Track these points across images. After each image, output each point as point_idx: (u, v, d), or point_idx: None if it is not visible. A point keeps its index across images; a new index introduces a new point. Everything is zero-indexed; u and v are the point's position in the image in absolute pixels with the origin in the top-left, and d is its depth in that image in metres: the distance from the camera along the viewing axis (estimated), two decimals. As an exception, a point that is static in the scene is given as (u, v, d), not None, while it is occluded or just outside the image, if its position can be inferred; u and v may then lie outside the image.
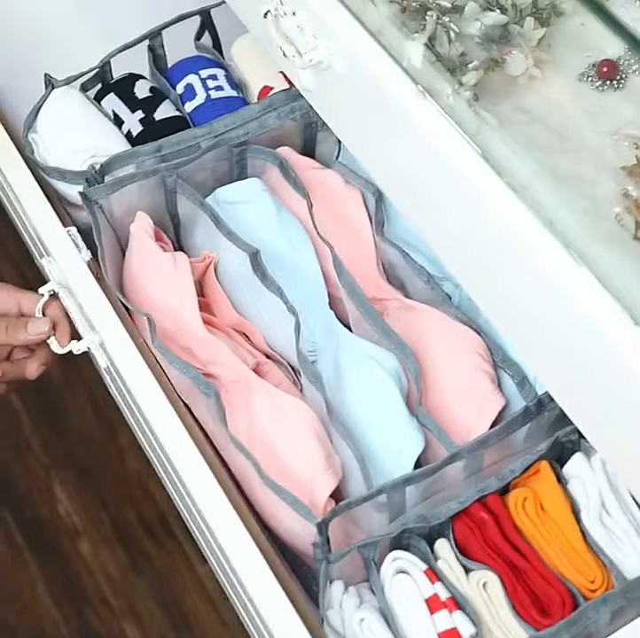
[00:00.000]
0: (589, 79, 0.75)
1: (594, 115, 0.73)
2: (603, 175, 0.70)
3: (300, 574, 0.93)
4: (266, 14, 0.83)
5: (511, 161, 0.70)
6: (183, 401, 0.97)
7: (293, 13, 0.81)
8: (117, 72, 1.15)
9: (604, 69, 0.74)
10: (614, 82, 0.74)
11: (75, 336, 0.99)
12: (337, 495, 0.90)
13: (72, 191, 1.05)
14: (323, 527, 0.81)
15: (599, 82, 0.74)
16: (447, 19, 0.73)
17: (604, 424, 0.70)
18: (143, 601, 1.41)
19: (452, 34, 0.73)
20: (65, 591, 1.42)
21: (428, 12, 0.73)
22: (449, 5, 0.74)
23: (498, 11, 0.74)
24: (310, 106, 1.04)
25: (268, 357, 1.01)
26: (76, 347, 0.98)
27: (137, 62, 1.16)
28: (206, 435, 0.96)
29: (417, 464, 0.90)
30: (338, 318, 0.99)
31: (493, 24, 0.74)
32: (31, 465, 1.52)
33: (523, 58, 0.74)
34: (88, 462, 1.52)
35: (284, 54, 0.82)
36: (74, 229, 1.02)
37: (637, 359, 0.63)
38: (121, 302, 0.98)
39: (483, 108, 0.72)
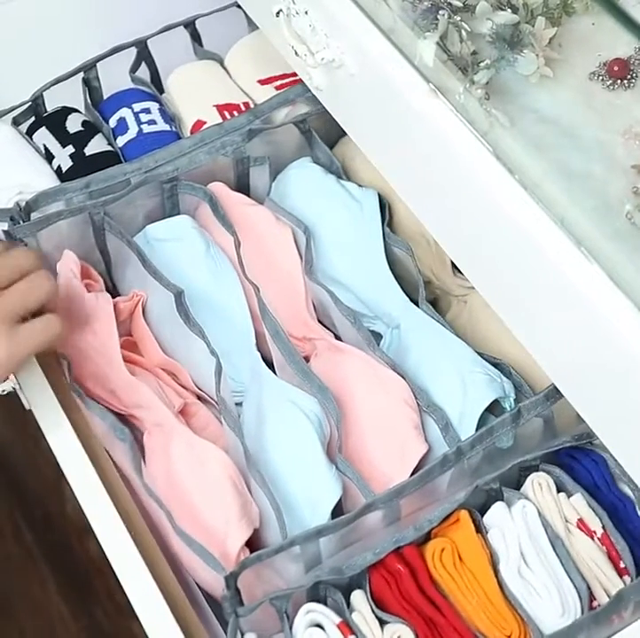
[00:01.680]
0: (600, 78, 0.75)
1: (604, 114, 0.73)
2: (613, 174, 0.70)
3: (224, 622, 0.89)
4: (278, 13, 0.83)
5: (523, 159, 0.71)
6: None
7: (306, 12, 0.81)
8: (55, 104, 1.12)
9: (615, 68, 0.75)
10: (625, 81, 0.75)
11: None
12: (255, 544, 0.88)
13: None
14: (231, 580, 0.79)
15: (610, 81, 0.75)
16: (458, 17, 0.74)
17: (615, 422, 0.70)
18: (151, 599, 1.41)
19: (464, 33, 0.74)
20: (74, 589, 1.43)
21: (440, 11, 0.74)
22: (461, 4, 0.74)
23: (509, 10, 0.74)
24: (243, 140, 1.05)
25: (197, 397, 0.99)
26: (1, 388, 0.96)
27: (76, 95, 1.13)
28: (127, 480, 0.94)
29: (337, 511, 0.88)
30: (266, 358, 0.97)
31: (504, 23, 0.74)
32: (40, 463, 1.52)
33: (534, 58, 0.74)
34: (96, 461, 1.52)
35: (296, 53, 0.83)
36: None
37: (648, 356, 0.63)
38: None
39: (494, 107, 0.73)
